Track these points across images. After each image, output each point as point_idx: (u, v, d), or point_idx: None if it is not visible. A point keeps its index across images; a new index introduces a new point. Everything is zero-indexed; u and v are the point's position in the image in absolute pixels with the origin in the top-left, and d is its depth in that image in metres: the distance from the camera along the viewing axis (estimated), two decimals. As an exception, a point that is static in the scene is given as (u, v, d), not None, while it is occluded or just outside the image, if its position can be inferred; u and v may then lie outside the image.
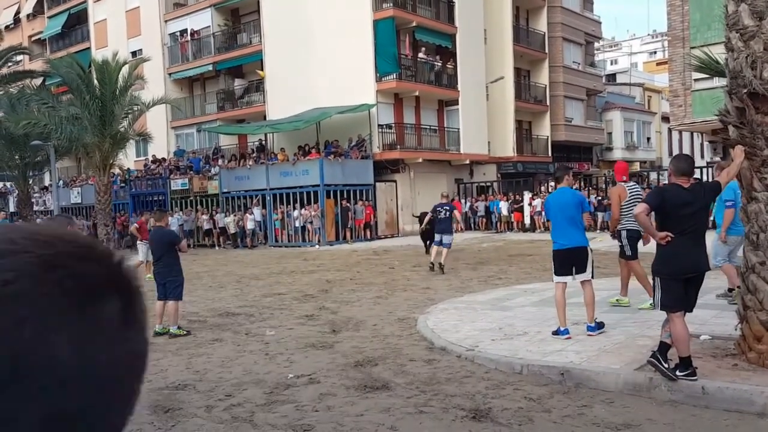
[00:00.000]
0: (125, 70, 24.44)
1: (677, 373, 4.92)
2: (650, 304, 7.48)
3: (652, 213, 5.06)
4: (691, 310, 5.09)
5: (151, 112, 28.35)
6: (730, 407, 4.67)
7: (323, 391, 5.70)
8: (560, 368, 5.57)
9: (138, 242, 16.53)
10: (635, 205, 7.38)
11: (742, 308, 5.36)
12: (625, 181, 8.24)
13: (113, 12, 37.58)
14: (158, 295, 8.76)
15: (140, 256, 16.09)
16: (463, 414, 4.88)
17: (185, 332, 8.66)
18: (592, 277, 6.96)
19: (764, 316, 5.14)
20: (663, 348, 5.05)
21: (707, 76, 19.46)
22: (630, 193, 7.99)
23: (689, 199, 4.95)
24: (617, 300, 8.39)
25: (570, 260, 6.82)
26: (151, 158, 33.60)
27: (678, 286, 4.96)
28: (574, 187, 7.68)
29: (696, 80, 20.27)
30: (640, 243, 7.80)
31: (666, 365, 4.97)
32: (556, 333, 6.83)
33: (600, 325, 6.86)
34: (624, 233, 7.98)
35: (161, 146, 34.26)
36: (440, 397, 5.34)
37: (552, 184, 29.54)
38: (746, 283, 5.30)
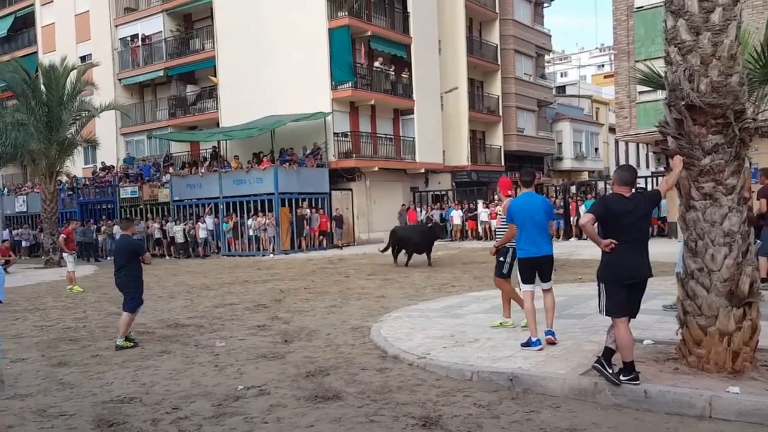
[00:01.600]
0: (73, 75, 23.81)
1: (621, 377, 5.04)
2: (500, 322, 7.57)
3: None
4: (634, 316, 5.22)
5: (100, 118, 27.73)
6: (671, 410, 4.80)
7: (273, 403, 5.64)
8: (509, 374, 5.64)
9: (64, 253, 16.08)
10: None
11: (682, 314, 5.53)
12: (510, 196, 7.71)
13: (62, 16, 36.65)
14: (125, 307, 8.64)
15: (70, 267, 15.68)
16: (414, 422, 4.89)
17: (132, 344, 8.43)
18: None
19: (703, 320, 5.32)
20: (607, 353, 5.17)
21: (650, 89, 20.10)
22: None
23: (630, 208, 5.10)
24: (501, 323, 7.85)
25: (536, 269, 6.71)
26: (99, 165, 32.77)
27: (621, 292, 5.09)
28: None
29: (640, 93, 20.91)
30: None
31: (610, 370, 5.09)
32: (526, 345, 6.58)
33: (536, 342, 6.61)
34: (511, 251, 7.44)
35: (110, 153, 33.51)
36: (391, 405, 5.34)
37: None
38: (686, 289, 5.48)
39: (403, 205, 30.48)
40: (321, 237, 26.38)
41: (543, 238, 6.72)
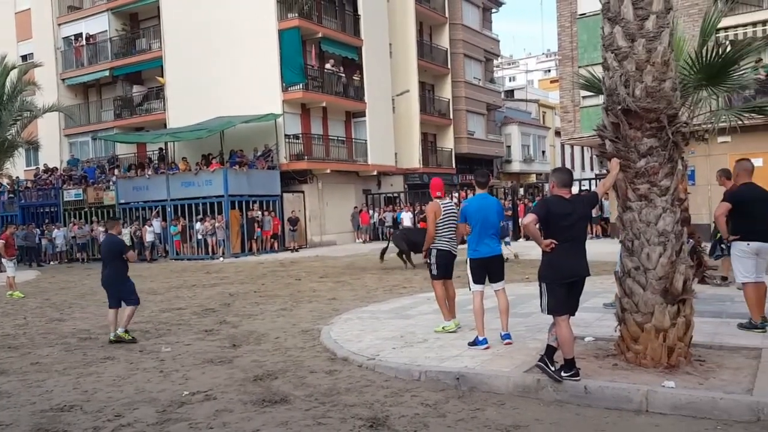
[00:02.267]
0: (14, 74, 23.00)
1: (562, 374, 5.18)
2: (442, 327, 7.63)
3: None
4: (574, 314, 5.38)
5: (42, 119, 26.88)
6: (610, 405, 4.95)
7: (219, 408, 5.57)
8: (456, 373, 5.72)
9: (3, 259, 15.53)
10: (449, 223, 7.43)
11: (620, 311, 5.71)
12: (440, 197, 7.68)
13: (1, 13, 35.32)
14: (110, 304, 8.87)
15: (9, 272, 15.20)
16: (361, 423, 4.91)
17: (130, 338, 8.74)
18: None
19: (640, 317, 5.51)
20: (550, 351, 5.30)
21: (592, 93, 20.68)
22: (444, 210, 7.56)
23: (570, 209, 5.25)
24: (443, 327, 7.70)
25: (487, 269, 6.77)
26: (42, 167, 31.72)
27: (562, 290, 5.24)
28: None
29: (584, 97, 21.47)
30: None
31: (552, 367, 5.22)
32: (473, 344, 6.64)
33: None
34: (434, 252, 7.56)
35: (53, 155, 32.49)
36: (339, 407, 5.35)
37: (455, 195, 30.37)
38: (623, 287, 5.66)
39: (355, 207, 30.52)
40: (273, 240, 26.15)
41: (494, 238, 6.82)
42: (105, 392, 6.25)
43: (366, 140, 30.82)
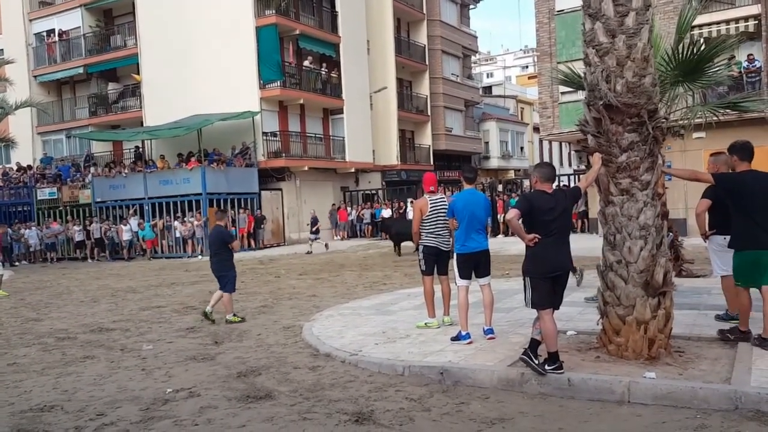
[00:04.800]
0: (-17, 70, 22.55)
1: (546, 367, 5.23)
2: (425, 323, 7.65)
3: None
4: (558, 308, 5.43)
5: (14, 116, 26.40)
6: (593, 397, 5.02)
7: (204, 404, 5.53)
8: (439, 368, 5.75)
9: None
10: (437, 220, 7.44)
11: (602, 304, 5.79)
12: (432, 192, 7.64)
13: (-31, 8, 34.59)
14: (220, 286, 9.63)
15: None
16: (346, 418, 4.91)
17: (240, 319, 9.47)
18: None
19: (621, 310, 5.58)
20: (533, 344, 5.35)
21: (572, 89, 20.90)
22: (431, 206, 7.48)
23: (552, 204, 5.30)
24: (426, 324, 7.68)
25: (474, 264, 6.80)
26: (15, 166, 31.13)
27: (545, 284, 5.28)
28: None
29: (563, 93, 21.67)
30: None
31: (536, 361, 5.27)
32: (456, 338, 6.67)
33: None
34: (421, 248, 7.57)
35: (26, 153, 31.92)
36: (324, 402, 5.35)
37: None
38: (605, 280, 5.73)
39: (333, 204, 30.47)
40: (249, 238, 26.00)
41: (481, 233, 6.87)
42: (86, 391, 6.17)
43: (344, 137, 30.77)
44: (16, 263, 25.48)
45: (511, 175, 44.96)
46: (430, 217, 7.48)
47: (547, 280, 5.27)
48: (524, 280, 5.40)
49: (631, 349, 5.52)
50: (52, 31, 32.73)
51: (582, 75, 9.29)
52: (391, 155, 34.76)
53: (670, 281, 5.62)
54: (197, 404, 5.56)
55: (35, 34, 33.23)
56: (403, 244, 19.79)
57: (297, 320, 9.33)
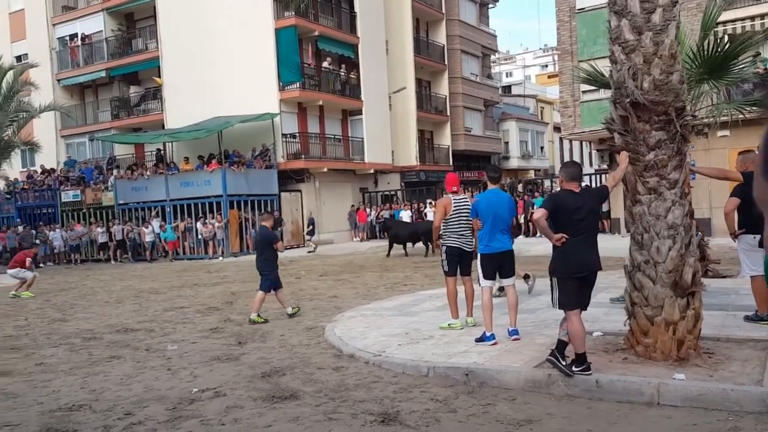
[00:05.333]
0: (10, 75, 22.89)
1: (573, 368, 5.17)
2: (448, 324, 7.60)
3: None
4: (585, 308, 5.36)
5: (38, 120, 26.80)
6: (622, 398, 4.95)
7: (230, 404, 5.56)
8: (465, 369, 5.71)
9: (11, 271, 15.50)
10: (460, 220, 7.39)
11: (630, 305, 5.71)
12: (455, 192, 7.60)
13: (-6, 13, 35.22)
14: (270, 286, 9.79)
15: (28, 276, 15.24)
16: (372, 419, 4.90)
17: (263, 320, 9.51)
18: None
19: (650, 311, 5.51)
20: (560, 346, 5.30)
21: (594, 87, 20.71)
22: (455, 206, 7.42)
23: (579, 203, 5.24)
24: (449, 325, 7.63)
25: (498, 264, 6.73)
26: (39, 169, 31.61)
27: (573, 285, 5.23)
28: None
29: (584, 92, 21.48)
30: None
31: (563, 362, 5.22)
32: (480, 339, 6.62)
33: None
34: (444, 248, 7.54)
35: (50, 156, 32.37)
36: (349, 403, 5.34)
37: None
38: (633, 280, 5.66)
39: (352, 205, 30.50)
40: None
41: (505, 234, 6.79)
42: (113, 391, 6.23)
43: (363, 138, 30.80)
44: (41, 265, 25.84)
45: (531, 175, 44.65)
46: (453, 216, 7.43)
47: (574, 280, 5.22)
48: (551, 280, 5.35)
49: (660, 351, 5.44)
50: (75, 35, 33.16)
51: (605, 73, 9.22)
52: (410, 156, 34.73)
53: (699, 281, 5.54)
54: (223, 404, 5.58)
55: (58, 38, 33.70)
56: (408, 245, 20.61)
57: (319, 321, 9.34)
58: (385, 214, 29.60)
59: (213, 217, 24.72)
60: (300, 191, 28.22)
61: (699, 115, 10.10)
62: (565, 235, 5.15)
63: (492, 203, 6.76)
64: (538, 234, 24.13)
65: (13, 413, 5.71)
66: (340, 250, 24.15)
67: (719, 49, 9.48)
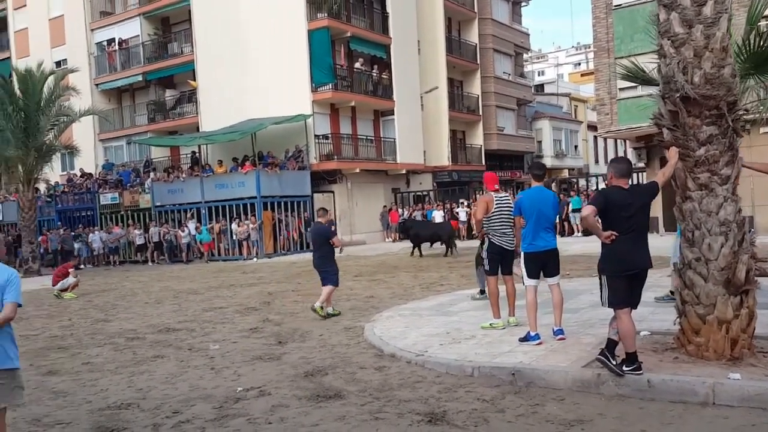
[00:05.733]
0: (51, 80, 23.44)
1: (624, 368, 5.07)
2: (490, 324, 7.51)
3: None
4: (636, 307, 5.26)
5: (77, 124, 27.33)
6: (675, 398, 4.84)
7: (275, 403, 5.59)
8: (511, 369, 5.65)
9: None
10: (502, 218, 7.31)
11: (681, 303, 5.58)
12: (496, 191, 7.59)
13: (35, 20, 36.09)
14: (323, 283, 9.92)
15: (71, 281, 15.61)
16: (419, 418, 4.87)
17: (337, 312, 9.88)
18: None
19: (701, 309, 5.38)
20: (610, 345, 5.20)
21: (632, 85, 20.34)
22: (497, 203, 7.40)
23: (630, 200, 5.13)
24: (491, 324, 7.57)
25: (543, 263, 6.65)
26: (79, 172, 32.31)
27: (623, 283, 5.13)
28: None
29: (621, 89, 21.12)
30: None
31: (614, 362, 5.12)
32: (525, 339, 6.55)
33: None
34: (485, 246, 7.52)
35: (88, 159, 33.03)
36: (394, 402, 5.32)
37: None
38: (683, 278, 5.53)
39: (384, 206, 30.49)
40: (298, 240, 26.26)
41: (550, 232, 6.70)
42: (160, 390, 6.31)
43: (395, 139, 30.78)
44: (81, 267, 26.40)
45: (565, 174, 44.07)
46: (495, 214, 7.37)
47: (624, 278, 5.12)
48: (600, 278, 5.25)
49: (713, 350, 5.31)
50: (113, 40, 33.79)
51: (646, 70, 9.03)
52: (442, 156, 34.59)
53: (752, 279, 5.39)
54: (268, 403, 5.62)
55: (96, 43, 34.38)
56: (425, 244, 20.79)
57: (357, 321, 9.35)
58: (417, 214, 29.55)
59: (247, 219, 24.95)
60: (332, 192, 28.31)
61: (743, 111, 9.85)
62: (614, 233, 5.05)
63: (536, 200, 6.66)
64: (576, 233, 23.88)
65: (64, 412, 5.82)
66: (373, 251, 24.16)
67: (765, 44, 9.21)
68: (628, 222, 5.09)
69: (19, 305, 4.22)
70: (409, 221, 24.41)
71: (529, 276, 6.67)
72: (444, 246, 20.50)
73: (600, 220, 5.13)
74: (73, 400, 6.21)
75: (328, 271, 9.91)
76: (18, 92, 22.62)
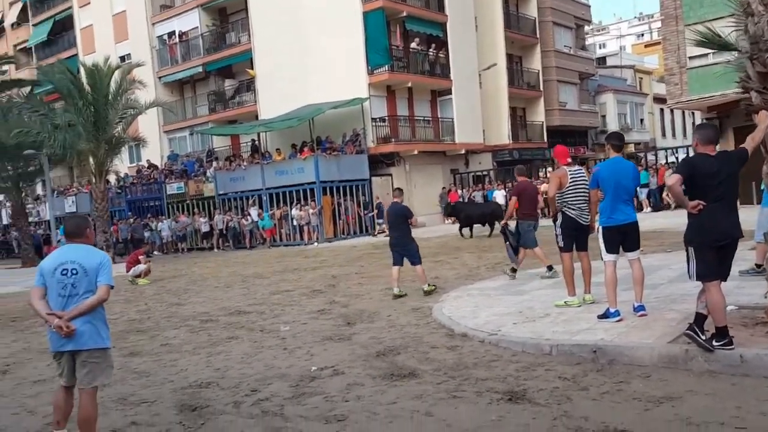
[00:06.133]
0: (117, 74, 24.18)
1: (714, 343, 4.84)
2: (564, 302, 7.25)
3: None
4: (725, 279, 4.99)
5: (143, 117, 28.14)
6: (769, 374, 4.59)
7: (350, 382, 5.61)
8: (592, 346, 5.46)
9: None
10: (577, 192, 7.03)
11: (773, 276, 5.28)
12: (569, 164, 7.32)
13: (99, 17, 37.26)
14: (393, 262, 10.01)
15: (142, 267, 16.13)
16: (498, 397, 4.78)
17: (434, 287, 9.87)
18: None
19: (795, 282, 5.07)
20: (699, 319, 4.96)
21: (703, 53, 19.40)
22: (571, 177, 7.13)
23: (716, 167, 4.86)
24: (565, 302, 7.35)
25: (621, 237, 6.37)
26: (146, 163, 33.38)
27: (712, 254, 4.87)
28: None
29: (691, 58, 20.21)
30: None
31: (703, 336, 4.89)
32: (604, 316, 6.31)
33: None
34: (560, 218, 7.22)
35: (154, 151, 34.04)
36: (471, 381, 5.25)
37: (549, 169, 29.44)
38: (776, 250, 5.22)
39: (443, 187, 30.23)
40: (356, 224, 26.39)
41: (629, 205, 6.42)
42: (237, 369, 6.43)
43: (452, 119, 30.40)
44: (152, 254, 27.33)
45: (631, 148, 42.59)
46: (569, 189, 7.11)
47: (712, 249, 4.86)
48: (687, 250, 5.00)
49: (808, 324, 5.00)
50: (173, 32, 34.56)
51: (723, 35, 8.53)
52: (502, 134, 33.99)
53: None
54: (343, 381, 5.64)
55: (158, 36, 35.22)
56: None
57: (425, 302, 9.29)
58: (477, 195, 29.20)
59: (307, 204, 25.21)
60: (390, 175, 28.24)
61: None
62: (701, 202, 4.79)
63: (614, 172, 6.35)
64: (645, 209, 23.12)
65: (148, 391, 6.01)
66: (433, 233, 24.03)
67: None
68: (716, 190, 4.81)
69: (111, 287, 4.44)
70: (460, 204, 24.34)
71: (608, 251, 6.38)
72: (490, 227, 20.51)
73: (687, 189, 4.87)
74: (155, 379, 6.41)
75: (410, 250, 9.92)
76: (87, 87, 23.42)
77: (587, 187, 7.01)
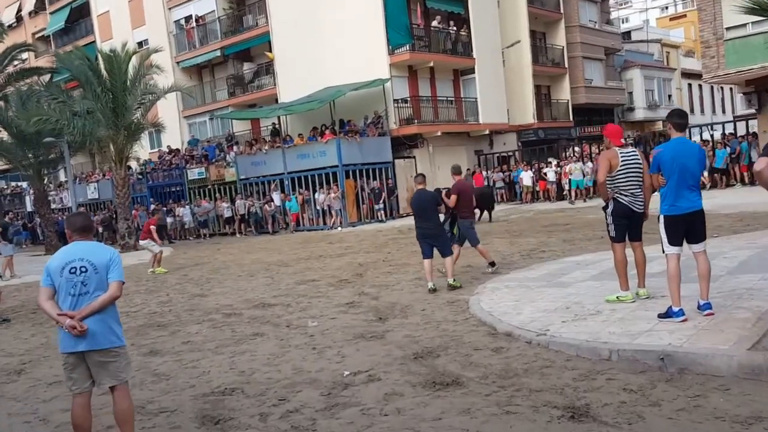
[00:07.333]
0: (135, 60, 23.80)
1: (806, 352, 4.26)
2: (617, 297, 6.67)
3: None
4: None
5: (162, 102, 27.77)
6: None
7: (387, 390, 5.11)
8: (659, 352, 4.86)
9: (142, 241, 16.14)
10: (629, 176, 6.38)
11: None
12: (622, 145, 6.61)
13: (115, 3, 36.91)
14: (424, 255, 9.33)
15: (155, 249, 15.77)
16: (558, 413, 4.24)
17: (459, 284, 9.21)
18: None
19: None
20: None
21: (741, 23, 18.49)
22: (623, 160, 6.41)
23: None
24: (617, 297, 6.74)
25: (686, 227, 5.71)
26: (166, 149, 33.13)
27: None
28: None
29: (728, 29, 19.26)
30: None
31: (793, 344, 4.31)
32: (666, 315, 5.71)
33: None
34: (610, 209, 6.56)
35: (174, 136, 33.76)
36: (523, 392, 4.71)
37: (577, 149, 28.59)
38: None
39: (468, 169, 29.52)
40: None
41: (694, 191, 5.71)
42: (263, 372, 5.98)
43: (476, 98, 29.59)
44: (174, 240, 27.12)
45: (659, 126, 41.37)
46: (620, 173, 6.40)
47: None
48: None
49: None
50: (190, 17, 34.06)
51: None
52: (526, 114, 33.07)
53: None
54: (380, 390, 5.15)
55: (175, 21, 34.76)
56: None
57: (459, 294, 8.78)
58: (498, 176, 28.47)
59: (330, 188, 24.74)
60: (414, 157, 27.61)
61: None
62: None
63: (679, 154, 5.65)
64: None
65: (168, 397, 5.59)
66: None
67: None
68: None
69: (123, 283, 4.35)
70: (487, 188, 23.72)
71: (670, 243, 5.73)
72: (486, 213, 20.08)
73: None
74: (175, 383, 5.99)
75: (443, 240, 9.40)
76: (105, 74, 23.07)
77: (640, 170, 6.37)
